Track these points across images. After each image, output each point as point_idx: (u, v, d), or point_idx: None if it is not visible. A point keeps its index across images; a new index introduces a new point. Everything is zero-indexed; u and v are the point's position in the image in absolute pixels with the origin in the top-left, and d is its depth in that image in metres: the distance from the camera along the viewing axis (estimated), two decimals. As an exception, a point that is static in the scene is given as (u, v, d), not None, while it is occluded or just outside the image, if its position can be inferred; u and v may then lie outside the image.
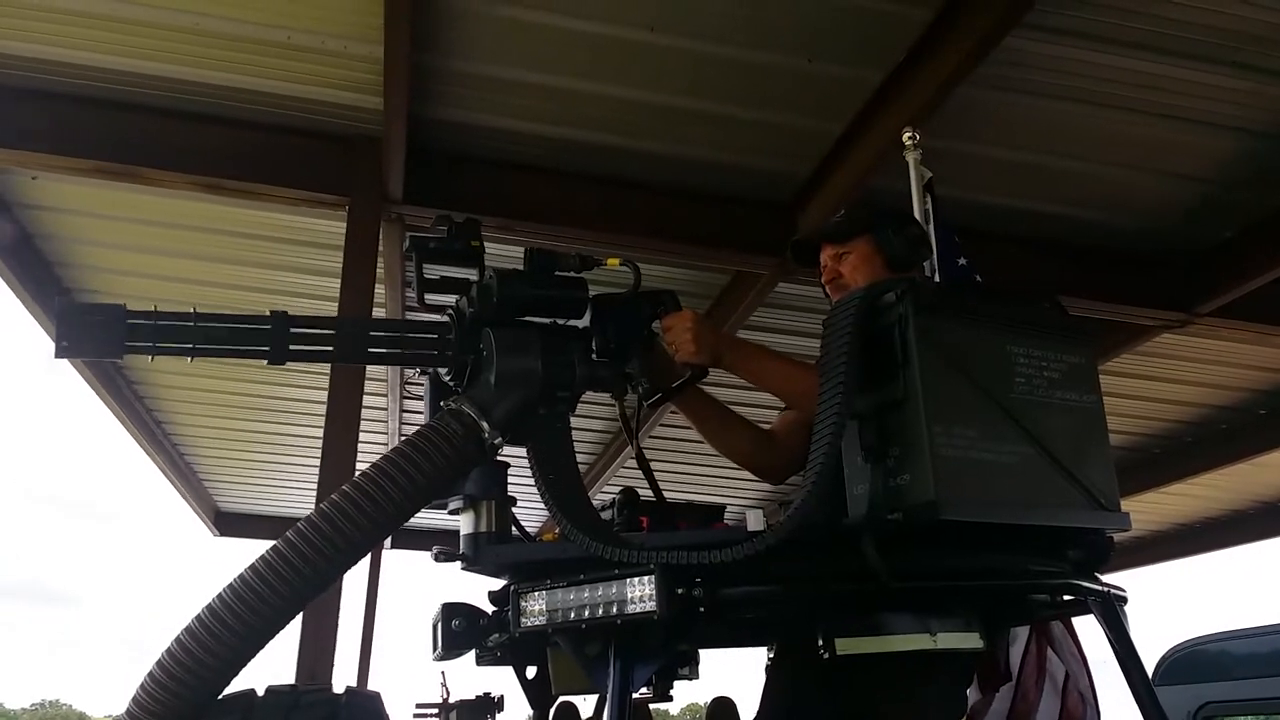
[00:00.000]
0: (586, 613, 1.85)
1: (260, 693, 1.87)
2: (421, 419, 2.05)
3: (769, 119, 4.56)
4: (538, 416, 2.02)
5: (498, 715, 2.29)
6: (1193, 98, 4.39)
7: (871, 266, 2.56)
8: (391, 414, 7.50)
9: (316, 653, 4.01)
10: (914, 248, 2.63)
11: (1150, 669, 3.03)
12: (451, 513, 2.08)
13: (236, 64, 4.28)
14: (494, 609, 2.14)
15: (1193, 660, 4.62)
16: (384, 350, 2.18)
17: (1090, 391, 2.04)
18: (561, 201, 4.91)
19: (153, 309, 1.85)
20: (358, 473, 1.92)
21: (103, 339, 1.81)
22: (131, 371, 7.28)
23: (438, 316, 2.09)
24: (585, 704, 2.50)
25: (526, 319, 2.09)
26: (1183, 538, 10.51)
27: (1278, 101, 4.41)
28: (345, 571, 1.97)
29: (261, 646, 1.84)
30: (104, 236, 5.53)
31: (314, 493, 4.71)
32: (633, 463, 2.52)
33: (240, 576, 1.82)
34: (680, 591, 1.78)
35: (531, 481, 2.00)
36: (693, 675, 2.45)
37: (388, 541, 9.02)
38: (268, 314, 1.93)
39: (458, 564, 2.06)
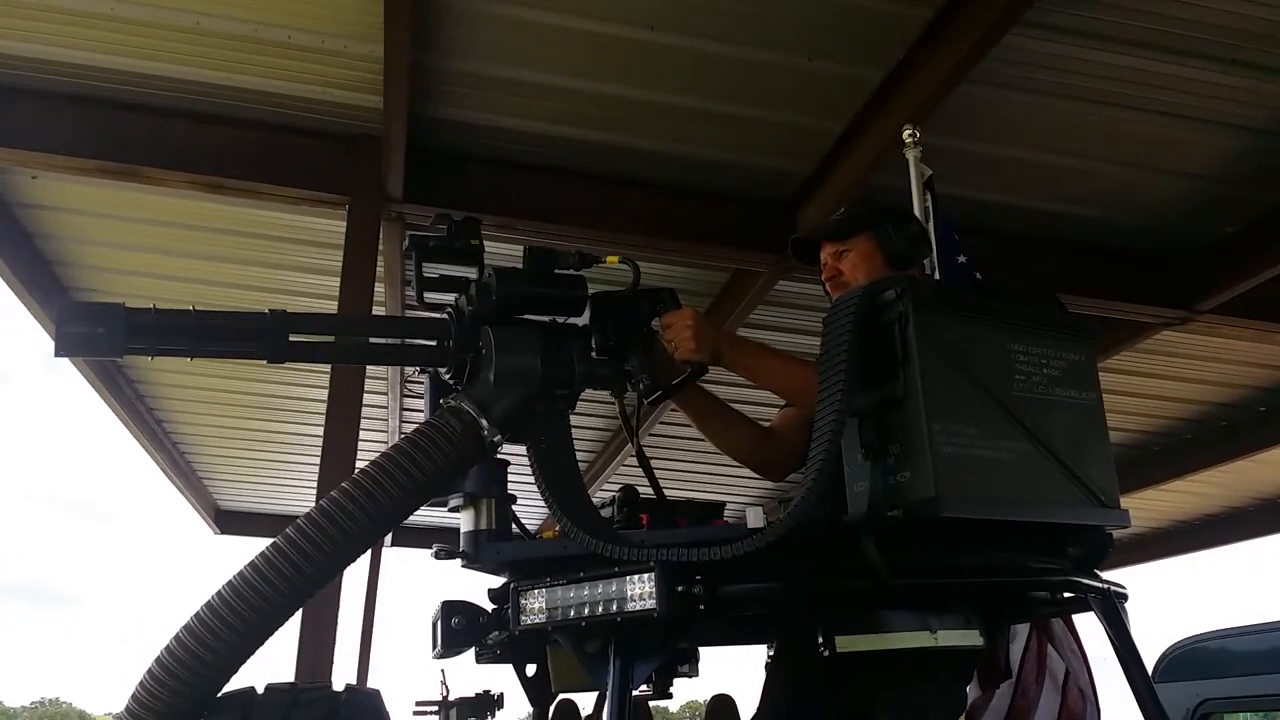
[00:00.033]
0: (586, 610, 1.85)
1: (260, 690, 1.87)
2: (422, 417, 2.05)
3: (769, 117, 4.56)
4: (537, 414, 2.03)
5: (497, 713, 2.29)
6: (1193, 95, 4.39)
7: (871, 264, 2.56)
8: (392, 412, 7.50)
9: (316, 650, 4.01)
10: (914, 245, 2.63)
11: (1150, 666, 3.03)
12: (452, 510, 2.08)
13: (237, 63, 4.28)
14: (494, 607, 2.14)
15: (1192, 657, 4.62)
16: (384, 349, 2.18)
17: (1090, 389, 2.04)
18: (561, 200, 4.91)
19: (152, 308, 1.85)
20: (357, 470, 1.92)
21: (103, 338, 1.81)
22: (132, 370, 7.29)
23: (437, 315, 2.09)
24: (585, 701, 2.50)
25: (526, 317, 2.09)
26: (1183, 535, 10.52)
27: (1277, 99, 4.41)
28: (344, 568, 1.97)
29: (261, 644, 1.84)
30: (104, 236, 5.53)
31: (314, 491, 4.71)
32: (633, 460, 2.52)
33: (240, 574, 1.82)
34: (680, 589, 1.78)
35: (531, 479, 2.00)
36: (692, 673, 2.45)
37: (387, 539, 9.03)
38: (267, 313, 1.93)
39: (458, 561, 2.06)
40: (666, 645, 1.98)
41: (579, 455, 2.13)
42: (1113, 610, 2.11)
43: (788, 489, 2.60)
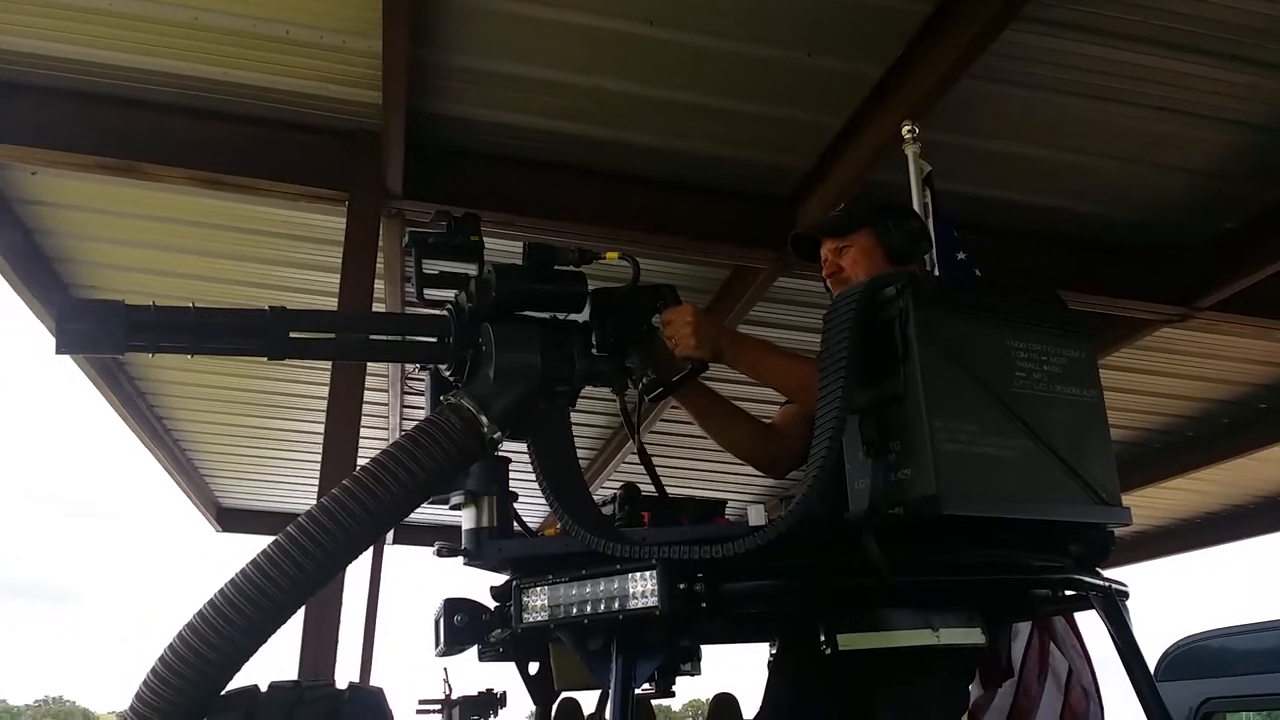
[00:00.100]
0: (588, 608, 1.85)
1: (263, 689, 1.87)
2: (423, 414, 2.05)
3: (769, 113, 4.56)
4: (538, 411, 2.02)
5: (500, 711, 2.29)
6: (1192, 91, 4.38)
7: (872, 260, 2.56)
8: (392, 409, 7.50)
9: (319, 648, 4.01)
10: (914, 241, 2.63)
11: (1152, 665, 3.03)
12: (453, 508, 2.08)
13: (235, 59, 4.27)
14: (496, 604, 2.14)
15: (1195, 656, 4.61)
16: (383, 346, 2.18)
17: (1091, 386, 2.04)
18: (560, 196, 4.91)
19: (152, 304, 1.84)
20: (358, 468, 1.91)
21: (103, 335, 1.81)
22: (133, 368, 7.29)
23: (437, 312, 2.09)
24: (588, 700, 2.50)
25: (526, 314, 2.09)
26: (1184, 533, 10.51)
27: (1277, 94, 4.40)
28: (346, 566, 1.97)
29: (264, 642, 1.84)
30: (103, 232, 5.52)
31: (316, 488, 4.71)
32: (634, 457, 2.53)
33: (242, 572, 1.82)
34: (682, 587, 1.78)
35: (532, 476, 2.00)
36: (695, 671, 2.45)
37: (389, 537, 9.04)
38: (267, 309, 1.92)
39: (459, 559, 2.06)
40: (669, 643, 1.98)
41: (580, 452, 2.13)
42: (1114, 608, 2.11)
43: (789, 486, 2.60)
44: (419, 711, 2.31)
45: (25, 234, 5.44)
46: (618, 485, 2.21)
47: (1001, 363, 1.94)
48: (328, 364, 4.73)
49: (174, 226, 5.38)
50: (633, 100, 4.49)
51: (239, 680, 1.85)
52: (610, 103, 4.51)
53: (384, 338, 2.20)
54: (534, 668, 2.35)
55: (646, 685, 2.41)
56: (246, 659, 1.83)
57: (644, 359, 2.23)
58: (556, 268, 2.13)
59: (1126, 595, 2.17)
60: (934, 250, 3.61)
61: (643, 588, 1.78)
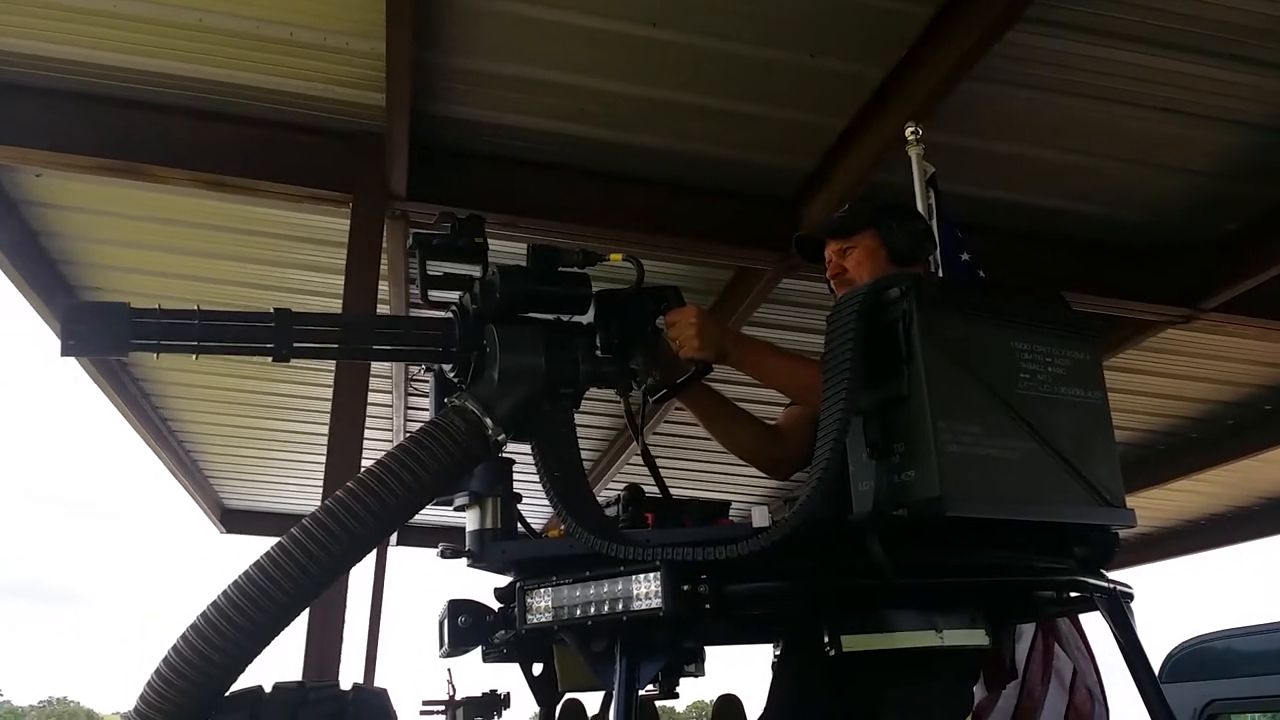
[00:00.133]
0: (592, 609, 1.85)
1: (268, 689, 1.87)
2: (427, 415, 2.05)
3: (772, 114, 4.56)
4: (542, 413, 2.03)
5: (504, 712, 2.29)
6: (1195, 91, 4.38)
7: (876, 261, 2.56)
8: (397, 411, 7.50)
9: (323, 649, 4.01)
10: (918, 242, 2.64)
11: (1157, 666, 3.03)
12: (457, 509, 2.08)
13: (239, 60, 4.28)
14: (500, 606, 2.14)
15: (1199, 657, 4.61)
16: (388, 347, 2.18)
17: (1095, 387, 2.04)
18: (564, 197, 4.91)
19: (157, 306, 1.85)
20: (363, 469, 1.92)
21: (108, 337, 1.82)
22: (137, 369, 7.29)
23: (441, 313, 2.09)
24: (592, 701, 2.50)
25: (530, 315, 2.09)
26: (1188, 534, 10.49)
27: (1278, 94, 4.40)
28: (350, 567, 1.97)
29: (268, 643, 1.84)
30: (108, 234, 5.53)
31: (320, 489, 4.72)
32: (638, 459, 2.53)
33: (246, 573, 1.82)
34: (686, 588, 1.78)
35: (536, 478, 2.00)
36: (699, 672, 2.45)
37: (393, 538, 9.04)
38: (271, 311, 1.93)
39: (464, 561, 2.06)
40: (673, 644, 1.98)
41: (584, 454, 2.13)
42: (1119, 610, 2.11)
43: (793, 488, 2.60)
44: (423, 713, 2.31)
45: (30, 236, 5.45)
46: (621, 487, 2.22)
47: (1006, 364, 1.94)
48: (332, 366, 4.73)
49: (178, 228, 5.39)
50: (636, 101, 4.49)
51: (243, 681, 1.85)
52: (613, 104, 4.51)
53: (388, 339, 2.20)
54: (538, 669, 2.35)
55: (650, 686, 2.41)
56: (251, 660, 1.83)
57: (648, 361, 2.23)
58: (561, 269, 2.13)
59: (1131, 597, 2.16)
60: (938, 251, 3.61)
61: (647, 589, 1.79)
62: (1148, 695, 2.05)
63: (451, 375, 2.08)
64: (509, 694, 2.30)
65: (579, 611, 1.87)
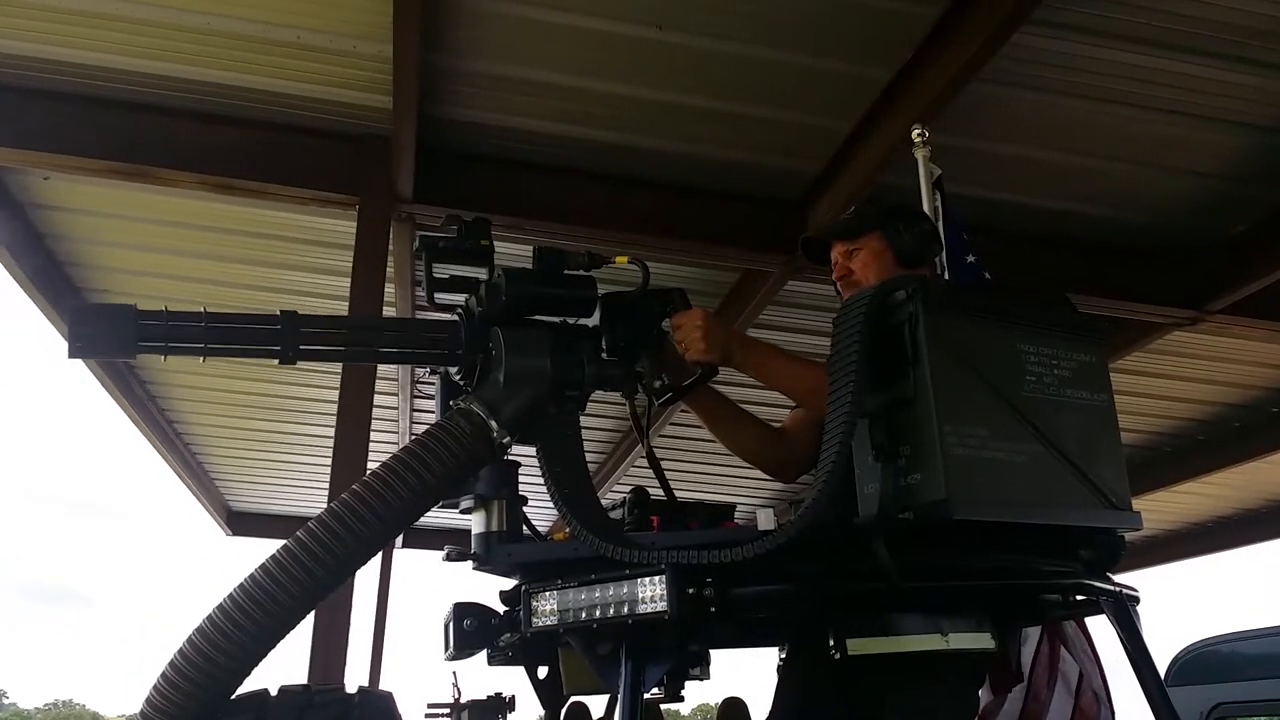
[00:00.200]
0: (598, 612, 1.85)
1: (273, 692, 1.87)
2: (433, 418, 2.05)
3: (778, 116, 4.56)
4: (547, 415, 2.03)
5: (509, 715, 2.29)
6: (1200, 94, 4.37)
7: (882, 263, 2.56)
8: (403, 413, 7.51)
9: (329, 652, 4.02)
10: (924, 244, 2.63)
11: (1163, 670, 3.03)
12: (463, 512, 2.08)
13: (246, 64, 4.29)
14: (505, 609, 2.14)
15: (1205, 661, 4.60)
16: (394, 349, 2.19)
17: (1101, 390, 2.04)
18: (570, 200, 4.91)
19: (164, 309, 1.85)
20: (368, 472, 1.92)
21: (115, 339, 1.82)
22: (144, 371, 7.31)
23: (447, 316, 2.09)
24: (597, 704, 2.50)
25: (536, 318, 2.09)
26: (1195, 537, 10.47)
27: (1284, 97, 4.40)
28: (356, 570, 1.98)
29: (274, 645, 1.85)
30: (115, 237, 5.54)
31: (326, 492, 4.72)
32: (643, 461, 2.52)
33: (251, 576, 1.82)
34: (691, 591, 1.78)
35: (542, 480, 2.00)
36: (704, 675, 2.45)
37: (399, 541, 9.04)
38: (278, 313, 1.93)
39: (469, 563, 2.07)
40: (678, 648, 1.98)
41: (589, 456, 2.13)
42: (1125, 613, 2.10)
43: (799, 490, 2.59)
44: (428, 715, 2.31)
45: (37, 239, 5.46)
46: (627, 489, 2.22)
47: (1012, 367, 1.93)
48: (338, 368, 4.74)
49: (185, 231, 5.40)
50: (642, 104, 4.49)
51: (249, 684, 1.85)
52: (619, 107, 4.51)
53: (394, 341, 2.21)
54: (543, 672, 2.35)
55: (655, 690, 2.41)
56: (257, 663, 1.84)
57: (654, 363, 2.24)
58: (566, 272, 2.13)
59: (1137, 600, 2.16)
60: (944, 253, 3.61)
61: (652, 592, 1.79)
62: (1153, 699, 2.04)
63: (457, 378, 2.08)
64: (514, 697, 2.30)
65: (584, 614, 1.87)
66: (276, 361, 1.95)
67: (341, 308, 5.00)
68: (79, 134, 4.44)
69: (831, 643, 1.91)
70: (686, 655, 2.28)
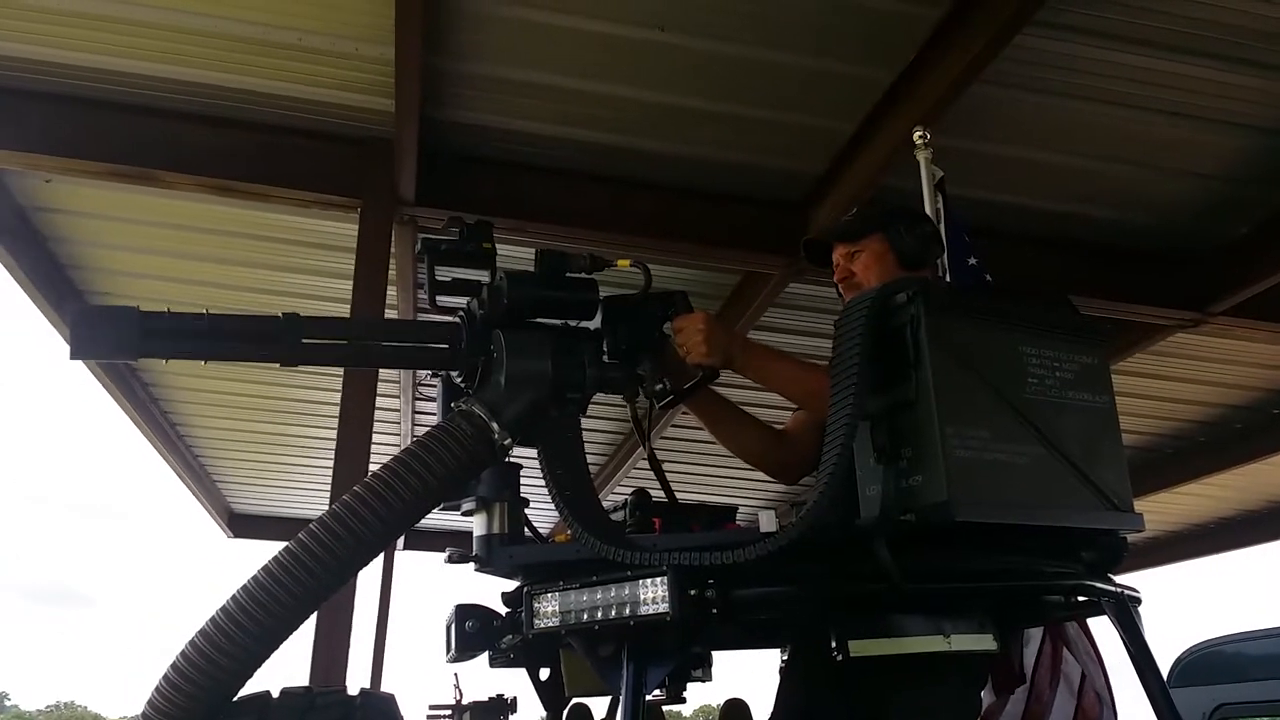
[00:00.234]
0: (599, 614, 1.85)
1: (275, 694, 1.87)
2: (434, 420, 2.05)
3: (779, 118, 4.56)
4: (549, 418, 2.03)
5: (511, 717, 2.29)
6: (1203, 95, 4.37)
7: (884, 265, 2.56)
8: (404, 415, 7.52)
9: (330, 654, 4.02)
10: (926, 246, 2.63)
11: (1166, 670, 3.02)
12: (464, 514, 2.08)
13: (248, 66, 4.29)
14: (507, 610, 2.14)
15: (1208, 662, 4.60)
16: (395, 352, 2.19)
17: (1103, 391, 2.04)
18: (572, 202, 4.91)
19: (166, 311, 1.86)
20: (370, 474, 1.92)
21: (117, 341, 1.82)
22: (145, 373, 7.31)
23: (449, 318, 2.09)
24: (599, 706, 2.50)
25: (538, 320, 2.09)
26: (1197, 538, 10.46)
27: (1286, 98, 4.40)
28: (357, 572, 1.98)
29: (276, 647, 1.85)
30: (117, 239, 5.55)
31: (327, 494, 4.73)
32: (645, 464, 2.52)
33: (253, 578, 1.82)
34: (693, 593, 1.78)
35: (543, 482, 2.00)
36: (706, 677, 2.45)
37: (400, 543, 9.05)
38: (280, 316, 1.93)
39: (471, 565, 2.07)
40: (680, 649, 1.98)
41: (590, 459, 2.13)
42: (1126, 614, 2.10)
43: (800, 492, 2.60)
44: (430, 717, 2.31)
45: (40, 241, 5.47)
46: (628, 491, 2.22)
47: (1013, 368, 1.93)
48: (340, 370, 4.74)
49: (187, 233, 5.41)
50: (644, 106, 4.49)
51: (251, 686, 1.85)
52: (621, 109, 4.51)
53: (395, 344, 2.21)
54: (545, 674, 2.35)
55: (657, 691, 2.41)
56: (259, 665, 1.84)
57: (655, 366, 2.23)
58: (568, 275, 2.13)
59: (1139, 601, 2.16)
60: (946, 255, 3.61)
61: (654, 594, 1.78)
62: (1156, 700, 2.04)
63: (459, 380, 2.08)
64: (516, 699, 2.30)
65: (586, 616, 1.87)
66: (279, 364, 1.95)
67: (343, 310, 5.00)
68: (81, 137, 4.44)
69: (834, 644, 1.90)
70: (688, 657, 2.28)
